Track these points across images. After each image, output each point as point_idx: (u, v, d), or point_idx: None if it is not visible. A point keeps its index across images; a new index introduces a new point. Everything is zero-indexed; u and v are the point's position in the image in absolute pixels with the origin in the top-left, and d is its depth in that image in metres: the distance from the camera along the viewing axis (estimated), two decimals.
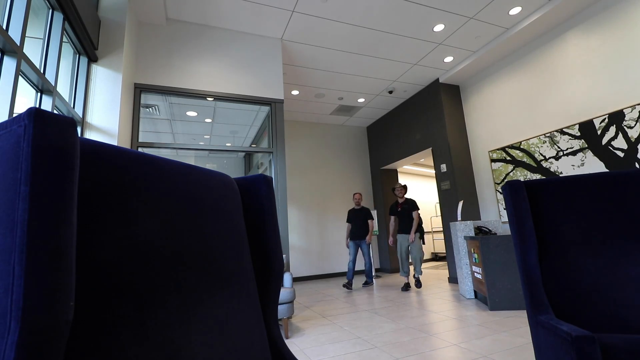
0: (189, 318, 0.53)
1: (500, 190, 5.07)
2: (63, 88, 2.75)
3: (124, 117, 3.22)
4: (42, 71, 2.33)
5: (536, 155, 4.53)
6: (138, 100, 3.63)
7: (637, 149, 3.45)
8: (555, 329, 1.04)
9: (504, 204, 4.97)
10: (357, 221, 5.39)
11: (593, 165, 3.85)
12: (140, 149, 3.63)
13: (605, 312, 1.25)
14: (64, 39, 2.63)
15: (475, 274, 3.89)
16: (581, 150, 3.99)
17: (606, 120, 3.72)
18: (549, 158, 4.36)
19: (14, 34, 1.92)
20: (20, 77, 2.00)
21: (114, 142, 2.96)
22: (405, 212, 5.07)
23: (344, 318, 3.56)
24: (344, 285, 5.17)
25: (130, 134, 3.48)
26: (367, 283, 5.51)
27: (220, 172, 0.75)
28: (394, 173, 7.59)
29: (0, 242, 0.32)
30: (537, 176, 4.52)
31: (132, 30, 3.47)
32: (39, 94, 2.34)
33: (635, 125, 3.47)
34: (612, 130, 3.67)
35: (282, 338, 0.80)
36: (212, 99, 4.04)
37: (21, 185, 0.33)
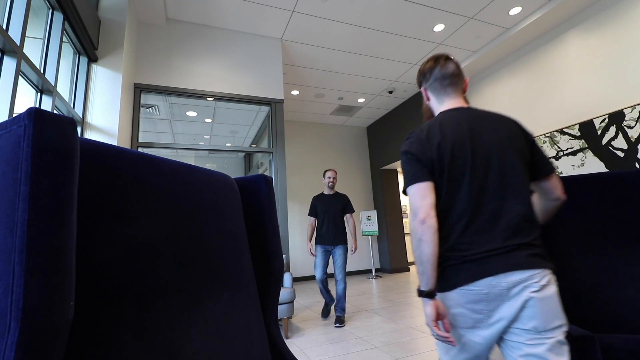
0: (189, 318, 0.53)
1: None
2: (63, 88, 2.75)
3: (124, 117, 3.22)
4: (42, 71, 2.32)
5: None
6: (138, 100, 3.63)
7: (637, 149, 3.45)
8: None
9: None
10: (331, 214, 3.47)
11: (593, 165, 3.85)
12: (140, 149, 3.63)
13: (606, 312, 1.25)
14: (64, 39, 2.63)
15: None
16: (581, 150, 3.99)
17: (606, 120, 3.72)
18: (549, 158, 4.36)
19: (14, 34, 1.92)
20: (20, 77, 2.00)
21: (114, 142, 2.96)
22: None
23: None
24: (323, 314, 3.57)
25: (130, 134, 3.48)
26: (341, 321, 3.24)
27: (220, 172, 0.75)
28: (394, 173, 7.59)
29: (0, 242, 0.32)
30: None
31: (132, 30, 3.46)
32: (39, 94, 2.34)
33: (635, 125, 3.46)
34: (612, 130, 3.67)
35: (282, 338, 0.80)
36: (212, 99, 4.04)
37: (21, 185, 0.33)
